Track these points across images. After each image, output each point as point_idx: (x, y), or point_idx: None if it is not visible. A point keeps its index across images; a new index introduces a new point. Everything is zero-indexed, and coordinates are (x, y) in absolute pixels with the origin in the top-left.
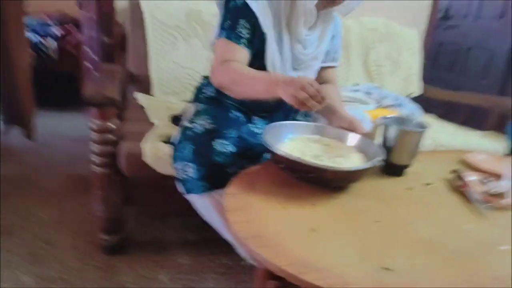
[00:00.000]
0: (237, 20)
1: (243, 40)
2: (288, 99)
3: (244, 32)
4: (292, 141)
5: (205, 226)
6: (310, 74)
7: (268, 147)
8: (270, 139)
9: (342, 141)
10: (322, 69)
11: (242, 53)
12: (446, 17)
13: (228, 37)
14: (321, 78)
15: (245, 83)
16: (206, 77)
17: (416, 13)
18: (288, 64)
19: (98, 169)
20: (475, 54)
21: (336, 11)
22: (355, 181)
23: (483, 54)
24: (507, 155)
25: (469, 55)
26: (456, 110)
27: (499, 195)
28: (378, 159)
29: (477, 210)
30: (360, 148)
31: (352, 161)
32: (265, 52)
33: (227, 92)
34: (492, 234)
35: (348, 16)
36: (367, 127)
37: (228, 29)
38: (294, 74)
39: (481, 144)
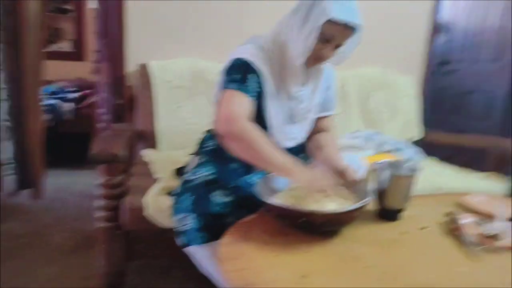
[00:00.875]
0: (246, 75)
1: (252, 94)
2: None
3: (253, 86)
4: (286, 192)
5: (208, 279)
6: (305, 126)
7: (259, 197)
8: (264, 190)
9: (335, 188)
10: (318, 119)
11: (250, 106)
12: (443, 62)
13: (239, 89)
14: (317, 127)
15: (256, 156)
16: (208, 131)
17: (412, 61)
18: (284, 119)
19: (101, 224)
20: (475, 97)
21: (328, 62)
22: (346, 224)
23: (483, 97)
24: (507, 196)
25: (469, 98)
26: (457, 152)
27: (494, 237)
28: (366, 200)
29: (471, 252)
30: (352, 192)
31: (342, 205)
32: (263, 107)
33: (229, 146)
34: (487, 276)
35: (345, 68)
36: (362, 173)
37: (239, 81)
38: (290, 128)
39: (481, 186)
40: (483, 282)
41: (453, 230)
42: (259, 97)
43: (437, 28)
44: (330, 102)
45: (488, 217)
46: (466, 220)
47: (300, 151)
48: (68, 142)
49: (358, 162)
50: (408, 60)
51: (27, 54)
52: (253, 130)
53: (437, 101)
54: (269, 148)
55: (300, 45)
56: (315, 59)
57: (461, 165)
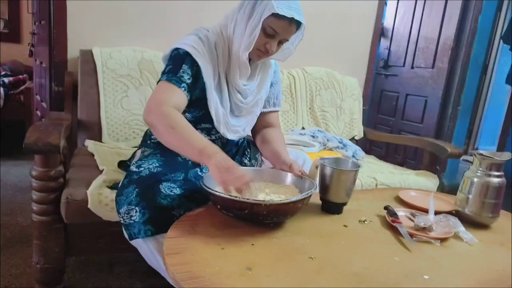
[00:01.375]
0: (180, 65)
1: (184, 85)
2: (217, 179)
3: (186, 77)
4: None
5: (153, 273)
6: (251, 120)
7: (204, 188)
8: (211, 182)
9: (279, 183)
10: (265, 113)
11: (181, 96)
12: (385, 66)
13: (169, 80)
14: (264, 122)
15: (179, 139)
16: None
17: (357, 63)
18: (228, 111)
19: (38, 218)
20: (413, 101)
21: (273, 58)
22: (290, 215)
23: (419, 101)
24: (438, 191)
25: (408, 101)
26: (395, 151)
27: (426, 229)
28: (308, 192)
29: (406, 243)
30: (296, 186)
31: (286, 197)
32: (207, 100)
33: (154, 132)
34: (418, 264)
35: (294, 66)
36: (307, 168)
37: (170, 72)
38: (234, 120)
39: (416, 182)
40: (413, 270)
41: (390, 223)
42: (193, 89)
43: (381, 33)
44: (276, 98)
45: (421, 210)
46: (401, 213)
47: (248, 146)
48: (0, 131)
49: (304, 158)
50: (353, 62)
51: None
52: (178, 115)
53: (378, 102)
54: (192, 132)
55: (245, 38)
56: (260, 53)
57: (397, 163)
